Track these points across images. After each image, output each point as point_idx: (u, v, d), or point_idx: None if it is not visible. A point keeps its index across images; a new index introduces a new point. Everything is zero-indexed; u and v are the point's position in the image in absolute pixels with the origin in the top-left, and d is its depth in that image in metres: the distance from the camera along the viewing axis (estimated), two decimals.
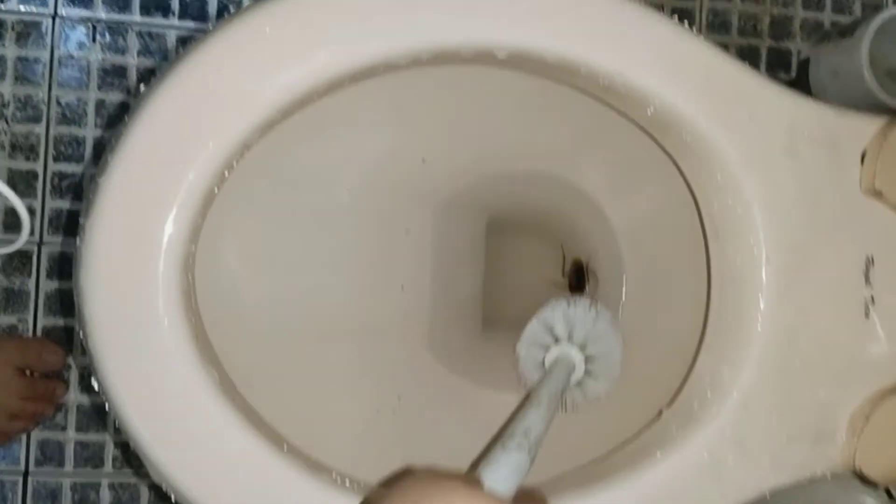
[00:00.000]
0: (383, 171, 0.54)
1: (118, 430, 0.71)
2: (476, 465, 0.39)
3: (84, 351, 0.70)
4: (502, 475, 0.34)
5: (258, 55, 0.38)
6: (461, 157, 0.57)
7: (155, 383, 0.38)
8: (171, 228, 0.38)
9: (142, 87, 0.40)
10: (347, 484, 0.41)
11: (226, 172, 0.40)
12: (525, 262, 0.66)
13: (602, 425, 0.48)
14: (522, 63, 0.42)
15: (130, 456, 0.72)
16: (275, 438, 0.40)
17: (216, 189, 0.39)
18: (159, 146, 0.38)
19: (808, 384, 0.44)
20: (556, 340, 0.50)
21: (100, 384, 0.38)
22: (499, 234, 0.63)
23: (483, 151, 0.57)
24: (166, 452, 0.38)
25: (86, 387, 0.71)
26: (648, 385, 0.50)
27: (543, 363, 0.51)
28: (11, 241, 0.55)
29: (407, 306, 0.57)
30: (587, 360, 0.50)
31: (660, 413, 0.46)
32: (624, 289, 0.60)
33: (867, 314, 0.44)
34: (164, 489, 0.39)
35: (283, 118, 0.41)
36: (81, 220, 0.39)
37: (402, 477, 0.30)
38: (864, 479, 0.44)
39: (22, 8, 0.70)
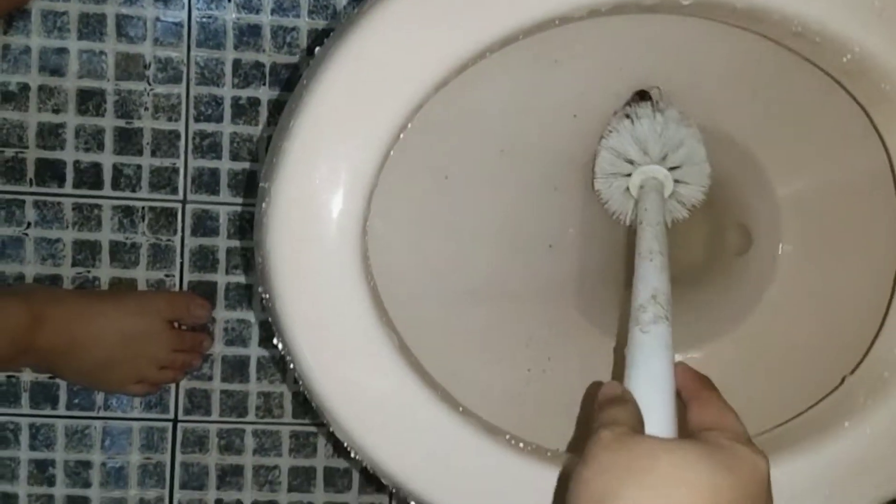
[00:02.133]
0: (536, 129, 0.53)
1: (260, 380, 0.74)
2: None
3: (227, 305, 0.73)
4: (654, 370, 0.33)
5: (439, 9, 0.37)
6: (611, 111, 0.55)
7: (337, 343, 0.39)
8: (352, 191, 0.38)
9: (316, 50, 0.40)
10: (521, 446, 0.41)
11: (401, 135, 0.39)
12: (675, 223, 0.64)
13: (776, 393, 0.47)
14: (708, 10, 0.39)
15: (303, 404, 0.75)
16: (450, 401, 0.40)
17: (391, 152, 0.39)
18: (340, 109, 0.38)
19: None
20: (633, 163, 0.49)
21: (284, 343, 0.39)
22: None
23: None
24: (350, 413, 0.39)
25: (230, 340, 0.74)
26: (823, 352, 0.47)
27: (629, 190, 0.49)
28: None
29: (555, 265, 0.56)
30: (672, 171, 0.49)
31: (842, 380, 0.44)
32: (781, 258, 0.57)
33: None
34: (344, 445, 0.40)
35: (455, 76, 0.40)
36: (264, 184, 0.39)
37: (593, 448, 0.29)
38: None
39: None
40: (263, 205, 0.38)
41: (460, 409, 0.40)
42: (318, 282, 0.38)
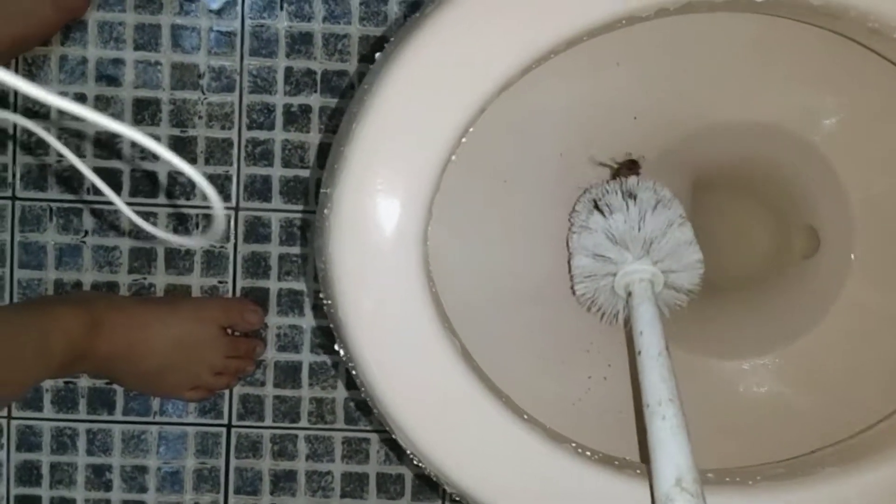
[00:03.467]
0: (595, 131, 0.52)
1: (312, 386, 0.74)
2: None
3: (279, 311, 0.73)
4: (676, 466, 0.34)
5: (502, 11, 0.37)
6: (673, 111, 0.54)
7: (401, 349, 0.38)
8: (413, 196, 0.38)
9: (377, 55, 0.40)
10: (588, 454, 0.40)
11: (462, 139, 0.39)
12: (739, 224, 0.62)
13: (850, 402, 0.45)
14: (784, 8, 0.38)
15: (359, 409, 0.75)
16: (514, 408, 0.40)
17: (453, 157, 0.39)
18: (402, 114, 0.37)
19: None
20: (614, 262, 0.45)
21: (346, 349, 0.39)
22: (706, 193, 0.60)
23: (697, 104, 0.54)
24: (415, 420, 0.38)
25: (282, 346, 0.74)
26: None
27: (614, 288, 0.46)
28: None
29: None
30: (660, 262, 0.45)
31: None
32: (853, 264, 0.55)
33: None
34: (400, 444, 0.40)
35: (518, 78, 0.39)
36: (325, 190, 0.39)
37: None
38: None
39: None
40: (326, 210, 0.38)
41: (525, 416, 0.39)
42: (380, 287, 0.38)
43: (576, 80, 0.49)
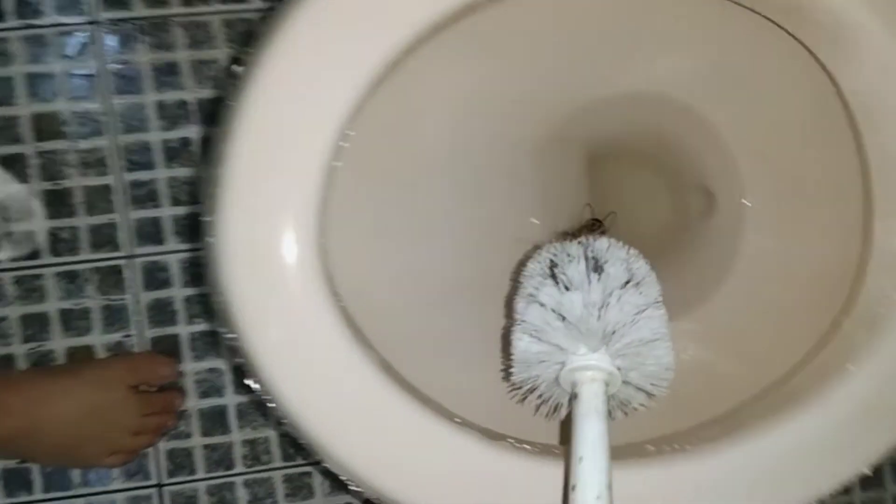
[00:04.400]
0: (483, 122, 0.51)
1: (243, 428, 0.71)
2: None
3: (195, 356, 0.70)
4: None
5: (351, 13, 0.35)
6: (554, 91, 0.54)
7: (317, 373, 0.36)
8: (300, 211, 0.35)
9: (234, 69, 0.38)
10: (528, 448, 0.39)
11: (343, 143, 0.37)
12: (635, 194, 0.62)
13: (772, 348, 0.45)
14: None
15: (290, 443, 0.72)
16: (445, 413, 0.38)
17: (339, 163, 0.37)
18: (271, 127, 0.35)
19: None
20: (566, 350, 0.35)
21: (260, 383, 0.37)
22: (600, 167, 0.60)
23: (578, 79, 0.54)
24: (344, 444, 0.36)
25: (204, 392, 0.71)
26: (810, 298, 0.46)
27: (559, 379, 0.36)
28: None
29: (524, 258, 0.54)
30: (620, 358, 0.35)
31: (839, 324, 0.42)
32: (748, 211, 0.56)
33: None
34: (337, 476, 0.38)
35: (384, 76, 0.37)
36: (207, 218, 0.36)
37: None
38: None
39: (62, 20, 0.68)
40: (210, 240, 0.35)
41: (456, 419, 0.38)
42: (282, 312, 0.35)
43: (449, 72, 0.48)
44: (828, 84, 0.44)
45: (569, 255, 0.37)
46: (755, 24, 0.45)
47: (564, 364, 0.35)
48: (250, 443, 0.71)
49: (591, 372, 0.34)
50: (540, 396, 0.37)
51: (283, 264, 0.35)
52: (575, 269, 0.36)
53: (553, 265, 0.37)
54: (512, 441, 0.39)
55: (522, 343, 0.36)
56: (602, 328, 0.34)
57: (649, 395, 0.37)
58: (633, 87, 0.54)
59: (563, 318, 0.35)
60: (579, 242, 0.38)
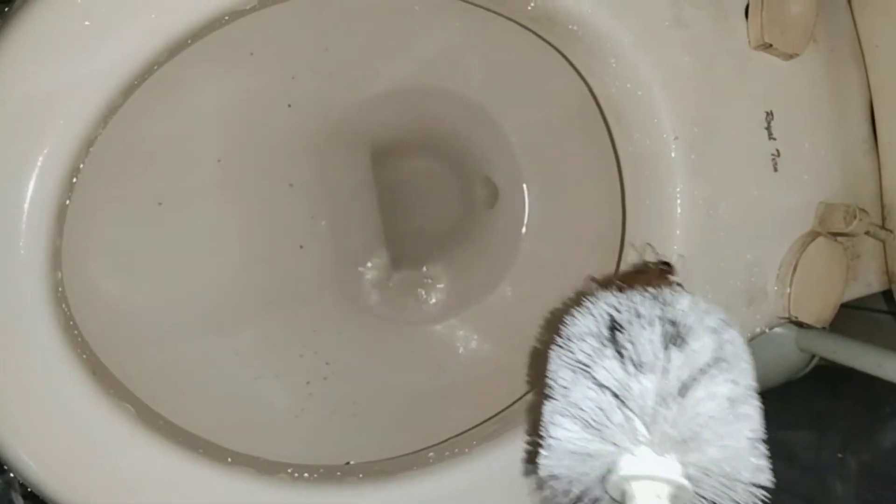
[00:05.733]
0: (251, 130, 0.48)
1: None
2: None
3: None
4: None
5: (77, 35, 0.32)
6: (327, 91, 0.52)
7: (67, 440, 0.33)
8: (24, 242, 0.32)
9: None
10: (306, 475, 0.38)
11: (74, 179, 0.34)
12: (423, 187, 0.63)
13: (534, 319, 0.47)
14: None
15: None
16: (216, 454, 0.36)
17: (67, 200, 0.33)
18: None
19: (733, 251, 0.44)
20: (621, 447, 0.26)
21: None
22: (387, 162, 0.59)
23: (349, 78, 0.52)
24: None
25: None
26: (573, 275, 0.48)
27: (604, 482, 0.26)
28: None
29: (311, 264, 0.53)
30: (693, 466, 0.26)
31: None
32: (527, 199, 0.58)
33: (775, 167, 0.44)
34: None
35: (123, 99, 0.34)
36: None
37: None
38: (799, 325, 0.46)
39: None
40: None
41: (228, 459, 0.36)
42: (14, 375, 0.32)
43: (214, 81, 0.45)
44: (583, 88, 0.45)
45: (638, 315, 0.27)
46: (520, 31, 0.46)
47: (617, 466, 0.25)
48: None
49: (656, 484, 0.25)
50: (569, 496, 0.27)
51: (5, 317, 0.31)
52: (647, 340, 0.26)
53: (615, 325, 0.27)
54: (291, 471, 0.38)
55: (562, 430, 0.26)
56: (679, 431, 0.25)
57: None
58: (408, 83, 0.54)
59: (625, 406, 0.25)
60: (651, 296, 0.28)
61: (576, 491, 0.27)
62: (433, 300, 0.57)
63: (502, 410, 0.44)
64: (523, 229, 0.58)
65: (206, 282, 0.48)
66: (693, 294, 0.28)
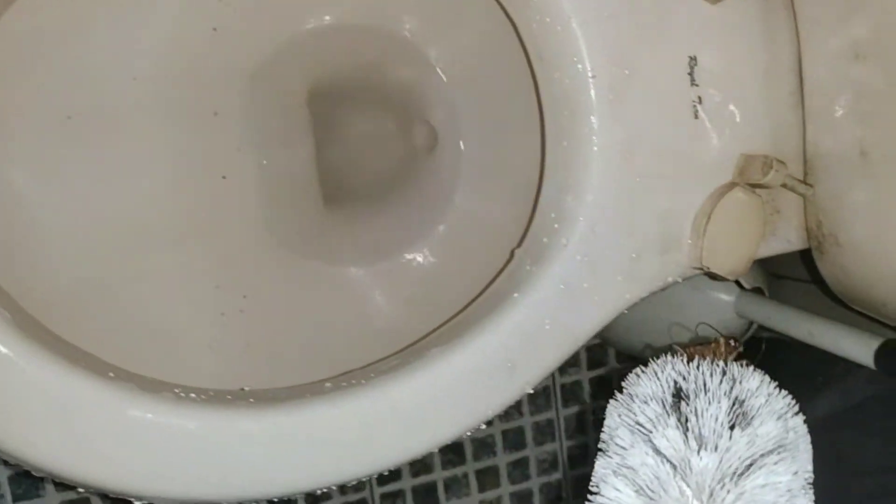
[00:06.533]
0: (171, 51, 0.47)
1: None
2: None
3: None
4: None
5: None
6: (258, 21, 0.51)
7: None
8: None
9: None
10: (193, 396, 0.37)
11: None
12: (361, 130, 0.61)
13: (457, 281, 0.47)
14: None
15: None
16: (97, 368, 0.36)
17: None
18: None
19: (649, 196, 0.43)
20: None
21: None
22: (326, 102, 0.58)
23: (281, 11, 0.51)
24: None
25: None
26: (501, 232, 0.48)
27: None
28: None
29: (234, 196, 0.52)
30: None
31: (512, 255, 0.44)
32: (463, 146, 0.57)
33: (696, 115, 0.44)
34: None
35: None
36: None
37: None
38: (713, 276, 0.45)
39: None
40: None
41: (110, 374, 0.36)
42: None
43: (138, 9, 0.43)
44: (508, 24, 0.45)
45: (705, 388, 0.27)
46: None
47: None
48: None
49: None
50: None
51: None
52: (712, 415, 0.26)
53: (679, 393, 0.28)
54: (178, 391, 0.37)
55: (615, 491, 0.26)
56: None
57: None
58: (343, 20, 0.53)
59: (682, 480, 0.25)
60: (720, 370, 0.28)
61: None
62: (359, 244, 0.56)
63: (406, 347, 0.43)
64: (458, 179, 0.57)
65: (123, 203, 0.47)
66: (763, 374, 0.28)
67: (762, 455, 0.25)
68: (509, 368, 0.41)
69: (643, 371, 0.28)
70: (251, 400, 0.38)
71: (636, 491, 0.26)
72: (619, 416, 0.27)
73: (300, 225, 0.56)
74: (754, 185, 0.44)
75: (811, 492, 0.26)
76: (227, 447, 0.36)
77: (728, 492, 0.25)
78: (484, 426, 0.41)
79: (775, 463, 0.25)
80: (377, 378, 0.40)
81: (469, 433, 0.42)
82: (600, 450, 0.27)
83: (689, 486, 0.25)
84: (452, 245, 0.55)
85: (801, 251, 0.50)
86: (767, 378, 0.28)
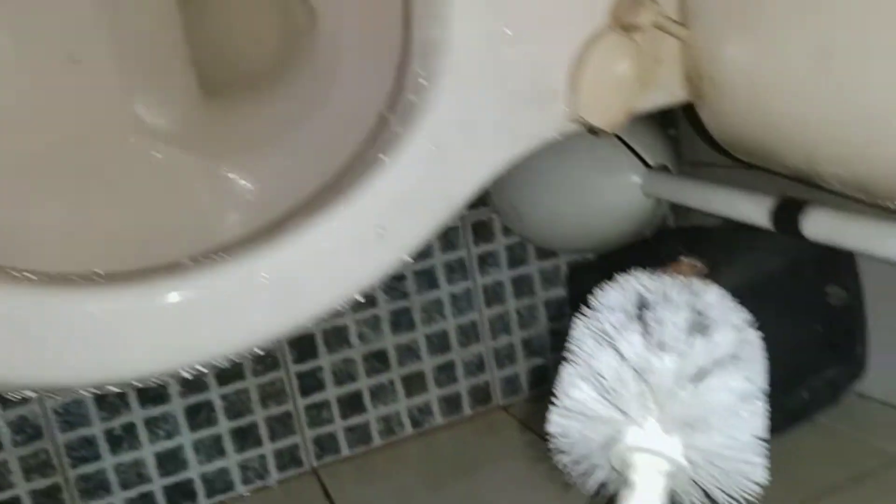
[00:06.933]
0: None
1: None
2: None
3: None
4: None
5: None
6: None
7: None
8: None
9: None
10: (35, 278, 0.35)
11: None
12: (241, 12, 0.57)
13: (329, 147, 0.44)
14: None
15: None
16: None
17: None
18: None
19: (518, 46, 0.41)
20: (630, 419, 0.27)
21: None
22: None
23: None
24: None
25: None
26: (370, 97, 0.45)
27: (605, 449, 0.28)
28: None
29: (88, 80, 0.48)
30: (692, 449, 0.27)
31: (383, 119, 0.42)
32: (342, 17, 0.54)
33: None
34: None
35: None
36: None
37: None
38: (593, 131, 0.44)
39: None
40: None
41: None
42: None
43: None
44: None
45: (667, 298, 0.29)
46: None
47: (623, 436, 0.27)
48: None
49: (657, 459, 0.27)
50: (574, 460, 0.29)
51: None
52: (673, 322, 0.27)
53: (643, 304, 0.29)
54: (16, 274, 0.35)
55: (580, 392, 0.27)
56: (689, 413, 0.27)
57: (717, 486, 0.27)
58: None
59: (643, 380, 0.27)
60: (683, 284, 0.29)
61: (578, 453, 0.28)
62: (232, 136, 0.53)
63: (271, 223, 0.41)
64: (340, 64, 0.54)
65: None
66: (722, 290, 0.29)
67: (718, 361, 0.27)
68: (379, 235, 0.39)
69: (610, 283, 0.30)
70: (103, 282, 0.36)
71: (600, 392, 0.27)
72: (586, 326, 0.28)
73: (174, 116, 0.52)
74: (629, 29, 0.42)
75: (763, 403, 0.27)
76: (69, 327, 0.34)
77: (685, 391, 0.26)
78: (363, 299, 0.40)
79: (730, 369, 0.27)
80: (239, 252, 0.38)
81: (349, 306, 0.40)
82: (566, 359, 0.28)
83: (649, 384, 0.26)
84: (329, 130, 0.53)
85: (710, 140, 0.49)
86: (727, 293, 0.29)
